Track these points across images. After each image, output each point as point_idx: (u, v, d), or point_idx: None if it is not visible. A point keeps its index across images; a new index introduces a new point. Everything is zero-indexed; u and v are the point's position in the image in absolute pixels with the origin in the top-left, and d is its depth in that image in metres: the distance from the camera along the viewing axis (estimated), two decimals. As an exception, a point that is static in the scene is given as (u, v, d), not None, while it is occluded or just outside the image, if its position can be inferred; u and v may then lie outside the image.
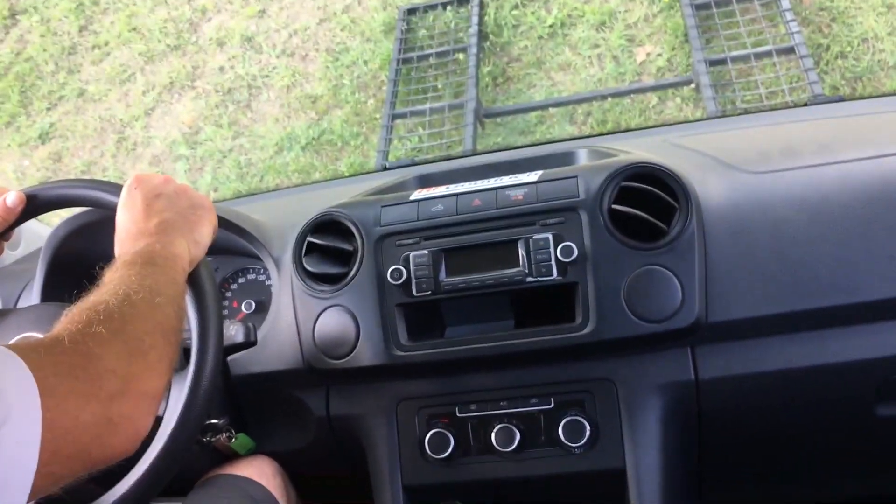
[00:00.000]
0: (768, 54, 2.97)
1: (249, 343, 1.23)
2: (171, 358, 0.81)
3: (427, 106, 3.37)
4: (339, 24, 3.97)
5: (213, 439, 1.18)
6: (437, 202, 1.20)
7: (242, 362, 1.26)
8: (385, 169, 1.86)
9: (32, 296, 1.24)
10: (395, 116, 3.38)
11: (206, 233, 1.01)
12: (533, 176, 1.19)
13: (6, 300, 1.36)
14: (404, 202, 1.22)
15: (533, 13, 3.65)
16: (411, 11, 3.85)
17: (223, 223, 1.23)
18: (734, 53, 3.02)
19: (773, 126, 1.50)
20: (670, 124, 2.06)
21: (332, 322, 1.19)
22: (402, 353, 1.16)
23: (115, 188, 1.03)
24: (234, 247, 1.34)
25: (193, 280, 0.98)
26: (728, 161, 1.22)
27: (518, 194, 1.16)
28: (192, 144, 3.81)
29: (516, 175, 1.23)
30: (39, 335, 0.97)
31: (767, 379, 1.13)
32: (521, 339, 1.14)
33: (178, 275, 0.91)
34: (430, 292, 1.15)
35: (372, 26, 3.89)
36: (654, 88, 3.18)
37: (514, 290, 1.13)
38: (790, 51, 2.93)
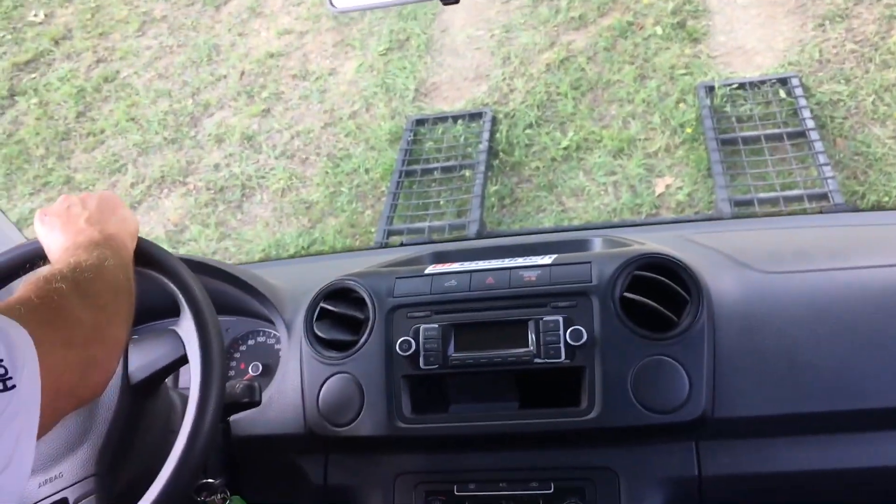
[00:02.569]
0: (799, 199, 2.79)
1: (253, 402, 1.20)
2: (127, 313, 0.91)
3: (427, 224, 3.19)
4: (343, 130, 3.87)
5: (206, 499, 1.15)
6: (451, 278, 1.23)
7: (243, 423, 1.26)
8: (401, 245, 1.96)
9: None
10: (390, 233, 3.19)
11: (126, 213, 1.06)
12: (547, 259, 1.22)
13: None
14: (418, 275, 1.25)
15: (548, 133, 3.53)
16: (420, 122, 3.74)
17: (240, 284, 1.29)
18: (762, 195, 2.85)
19: (786, 229, 1.53)
20: (685, 220, 2.15)
21: (338, 389, 1.21)
22: (404, 426, 1.17)
23: (29, 241, 1.08)
24: (246, 308, 1.37)
25: (200, 335, 1.00)
26: (741, 259, 1.24)
27: (531, 275, 1.19)
28: (174, 243, 3.63)
29: (530, 257, 1.25)
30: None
31: (772, 480, 1.12)
32: (525, 421, 1.15)
33: (122, 249, 0.97)
34: (437, 366, 1.17)
35: (378, 134, 3.77)
36: (673, 223, 2.99)
37: (521, 370, 1.15)
38: (823, 197, 2.74)
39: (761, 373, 1.11)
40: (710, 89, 3.37)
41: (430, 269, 1.27)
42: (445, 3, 1.10)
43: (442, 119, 3.72)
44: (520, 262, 1.24)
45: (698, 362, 1.10)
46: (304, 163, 3.82)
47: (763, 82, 3.32)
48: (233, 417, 1.24)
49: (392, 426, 1.17)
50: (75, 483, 0.96)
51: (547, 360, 1.13)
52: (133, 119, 4.25)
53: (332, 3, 1.15)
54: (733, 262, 1.24)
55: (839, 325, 1.12)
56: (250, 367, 1.42)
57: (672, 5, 3.79)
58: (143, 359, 1.03)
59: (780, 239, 1.42)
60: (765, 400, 1.10)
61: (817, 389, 1.09)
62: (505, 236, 1.74)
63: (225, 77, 4.33)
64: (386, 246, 1.87)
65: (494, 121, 3.63)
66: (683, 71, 3.55)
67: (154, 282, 1.04)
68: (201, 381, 0.98)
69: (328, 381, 1.22)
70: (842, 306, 1.14)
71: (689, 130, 3.28)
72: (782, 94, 3.26)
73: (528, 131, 3.56)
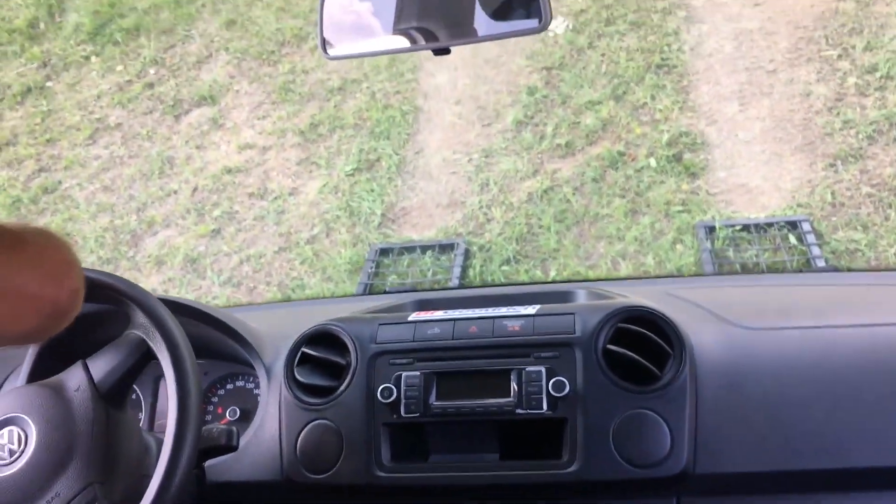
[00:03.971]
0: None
1: (230, 447, 1.16)
2: None
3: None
4: (299, 256, 3.48)
5: None
6: (435, 325, 1.23)
7: (219, 469, 1.24)
8: (384, 292, 1.91)
9: (18, 380, 1.22)
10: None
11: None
12: (531, 309, 1.23)
13: None
14: (402, 322, 1.26)
15: (527, 271, 3.15)
16: (384, 251, 3.37)
17: (220, 327, 1.29)
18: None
19: (768, 287, 1.54)
20: (669, 276, 2.16)
21: (317, 436, 1.21)
22: (384, 475, 1.17)
23: None
24: (226, 352, 1.35)
25: (178, 377, 0.98)
26: (723, 315, 1.26)
27: (515, 325, 1.20)
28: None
29: (514, 307, 1.26)
30: (20, 415, 0.99)
31: None
32: (506, 472, 1.16)
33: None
34: (418, 414, 1.17)
35: (336, 263, 3.38)
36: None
37: (503, 420, 1.15)
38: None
39: (744, 429, 1.12)
40: (711, 230, 3.03)
41: (414, 317, 1.28)
42: (436, 54, 1.11)
43: (409, 249, 3.35)
44: (503, 311, 1.25)
45: (680, 417, 1.11)
46: (251, 292, 3.40)
47: (770, 225, 2.98)
48: (208, 463, 1.21)
49: (371, 475, 1.17)
50: (76, 496, 0.95)
51: (529, 411, 1.14)
52: (68, 235, 3.86)
53: (325, 51, 1.15)
54: (716, 317, 1.26)
55: (822, 383, 1.14)
56: (228, 412, 1.39)
57: (667, 136, 3.51)
58: (107, 365, 1.02)
59: (762, 296, 1.45)
60: (747, 457, 1.10)
61: (800, 447, 1.10)
62: (489, 287, 1.74)
63: (175, 192, 3.98)
64: (370, 293, 1.87)
65: (468, 254, 3.26)
66: (680, 208, 3.22)
67: (117, 314, 1.04)
68: (177, 423, 0.97)
69: (307, 428, 1.22)
70: (824, 365, 1.15)
71: (686, 275, 2.91)
72: (792, 239, 2.92)
73: (504, 268, 3.18)
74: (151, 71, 4.77)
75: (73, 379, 1.01)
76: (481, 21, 1.12)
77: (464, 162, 3.74)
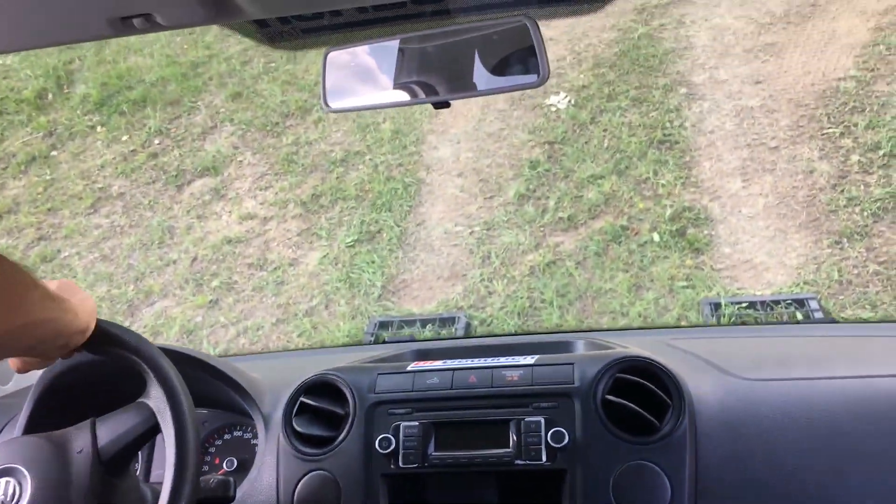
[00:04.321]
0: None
1: (227, 498, 1.13)
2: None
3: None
4: (297, 328, 3.43)
5: None
6: (434, 375, 1.24)
7: None
8: (384, 342, 1.87)
9: (16, 430, 1.20)
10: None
11: (85, 294, 1.00)
12: (529, 359, 1.24)
13: None
14: (401, 372, 1.26)
15: (529, 347, 3.09)
16: (384, 325, 3.31)
17: (219, 376, 1.29)
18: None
19: (767, 338, 1.54)
20: (668, 327, 2.15)
21: (314, 487, 1.20)
22: None
23: None
24: (224, 401, 1.34)
25: (177, 428, 0.98)
26: (722, 366, 1.26)
27: (514, 375, 1.21)
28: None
29: (513, 357, 1.26)
30: (17, 466, 0.97)
31: None
32: None
33: (70, 311, 0.95)
34: (417, 465, 1.16)
35: (335, 336, 3.33)
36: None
37: (502, 471, 1.15)
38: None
39: (744, 480, 1.11)
40: (716, 306, 2.98)
41: (413, 366, 1.28)
42: (437, 108, 1.13)
43: (409, 322, 3.29)
44: (502, 361, 1.25)
45: (680, 468, 1.10)
46: (246, 364, 3.34)
47: (777, 302, 2.93)
48: None
49: None
50: None
51: (528, 462, 1.13)
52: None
53: (325, 104, 1.16)
54: (715, 368, 1.26)
55: (821, 435, 1.13)
56: (225, 463, 1.37)
57: (670, 211, 3.50)
58: (112, 432, 1.00)
59: (760, 347, 1.45)
60: None
61: (800, 499, 1.10)
62: (488, 337, 1.77)
63: (175, 262, 3.96)
64: (374, 342, 1.89)
65: (469, 327, 3.21)
66: (684, 283, 3.18)
67: (122, 364, 1.03)
68: (174, 474, 0.97)
69: (305, 478, 1.21)
70: (823, 416, 1.15)
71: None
72: (799, 316, 2.86)
73: (506, 343, 3.13)
74: (156, 141, 4.81)
75: (79, 440, 0.99)
76: (481, 76, 1.13)
77: (465, 234, 3.73)
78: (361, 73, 1.18)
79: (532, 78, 1.08)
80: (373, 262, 3.68)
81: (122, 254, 4.09)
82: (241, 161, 4.53)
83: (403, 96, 1.16)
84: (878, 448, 1.11)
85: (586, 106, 4.25)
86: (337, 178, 4.24)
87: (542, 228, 3.63)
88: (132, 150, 4.76)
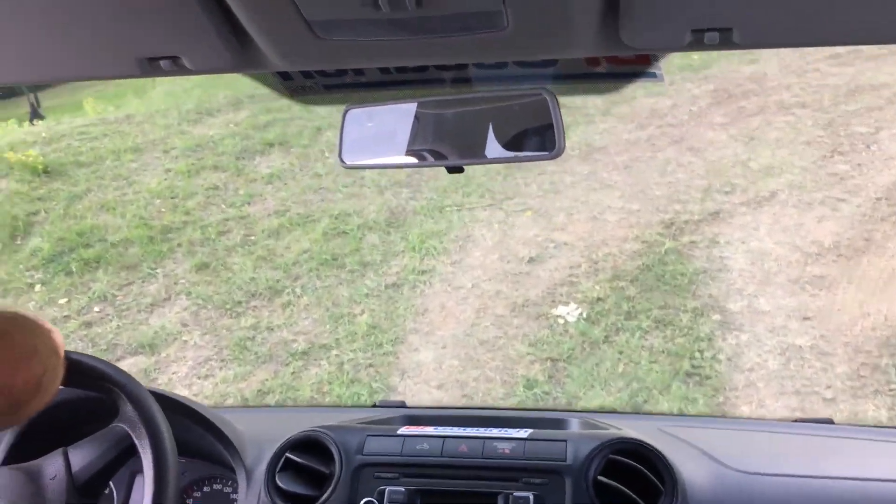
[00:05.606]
0: None
1: None
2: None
3: None
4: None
5: None
6: (424, 441, 1.23)
7: None
8: (374, 406, 1.73)
9: None
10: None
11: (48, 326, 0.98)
12: (523, 433, 1.24)
13: None
14: (391, 435, 1.26)
15: None
16: None
17: (206, 425, 1.27)
18: None
19: (763, 433, 1.52)
20: (664, 414, 2.16)
21: None
22: None
23: None
24: (207, 451, 1.32)
25: (157, 475, 0.98)
26: (717, 456, 1.26)
27: (506, 448, 1.20)
28: None
29: (506, 429, 1.26)
30: None
31: None
32: None
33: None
34: None
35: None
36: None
37: None
38: None
39: None
40: None
41: (403, 430, 1.27)
42: (450, 172, 1.16)
43: None
44: (495, 432, 1.24)
45: None
46: None
47: None
48: None
49: None
50: None
51: None
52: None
53: (341, 160, 1.17)
54: (708, 457, 1.25)
55: None
56: None
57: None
58: (86, 457, 1.00)
59: (755, 441, 1.44)
60: None
61: None
62: (481, 409, 1.66)
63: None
64: (375, 406, 1.73)
65: None
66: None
67: (104, 402, 1.02)
68: (154, 487, 0.96)
69: None
70: None
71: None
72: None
73: None
74: (96, 308, 4.18)
75: (51, 466, 0.99)
76: (496, 145, 1.13)
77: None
78: (378, 133, 1.21)
79: (547, 152, 1.08)
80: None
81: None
82: (185, 341, 3.86)
83: (418, 158, 1.19)
84: None
85: (600, 322, 3.61)
86: (293, 373, 3.54)
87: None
88: (65, 316, 4.12)
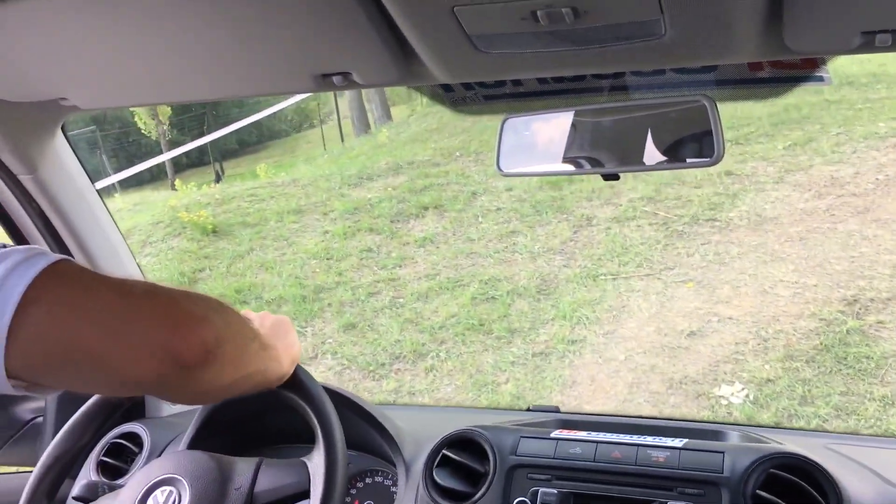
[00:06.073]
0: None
1: None
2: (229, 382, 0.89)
3: None
4: None
5: None
6: (577, 445, 1.23)
7: None
8: (528, 410, 1.68)
9: (180, 445, 1.26)
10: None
11: (294, 339, 1.05)
12: (678, 442, 1.21)
13: (154, 446, 1.44)
14: (544, 437, 1.27)
15: None
16: None
17: (371, 421, 1.34)
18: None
19: None
20: (831, 432, 1.95)
21: None
22: None
23: None
24: (370, 445, 1.38)
25: (327, 474, 1.01)
26: (887, 476, 1.18)
27: (660, 456, 1.18)
28: None
29: (660, 437, 1.24)
30: (180, 477, 1.04)
31: None
32: None
33: (275, 360, 0.97)
34: None
35: None
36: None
37: None
38: None
39: None
40: None
41: (556, 434, 1.27)
42: (605, 179, 1.19)
43: None
44: (649, 440, 1.22)
45: None
46: None
47: None
48: None
49: None
50: None
51: None
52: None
53: (499, 168, 1.20)
54: (879, 478, 1.17)
55: None
56: None
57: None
58: (271, 483, 1.04)
59: None
60: None
61: None
62: (635, 417, 1.54)
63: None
64: (528, 410, 1.65)
65: None
66: None
67: (298, 408, 1.05)
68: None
69: None
70: None
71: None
72: None
73: None
74: (247, 361, 4.27)
75: (241, 476, 1.02)
76: (653, 152, 1.12)
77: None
78: (535, 141, 1.23)
79: (706, 158, 1.07)
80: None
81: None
82: (327, 400, 3.83)
83: (574, 166, 1.20)
84: None
85: (769, 406, 3.24)
86: (431, 440, 3.40)
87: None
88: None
